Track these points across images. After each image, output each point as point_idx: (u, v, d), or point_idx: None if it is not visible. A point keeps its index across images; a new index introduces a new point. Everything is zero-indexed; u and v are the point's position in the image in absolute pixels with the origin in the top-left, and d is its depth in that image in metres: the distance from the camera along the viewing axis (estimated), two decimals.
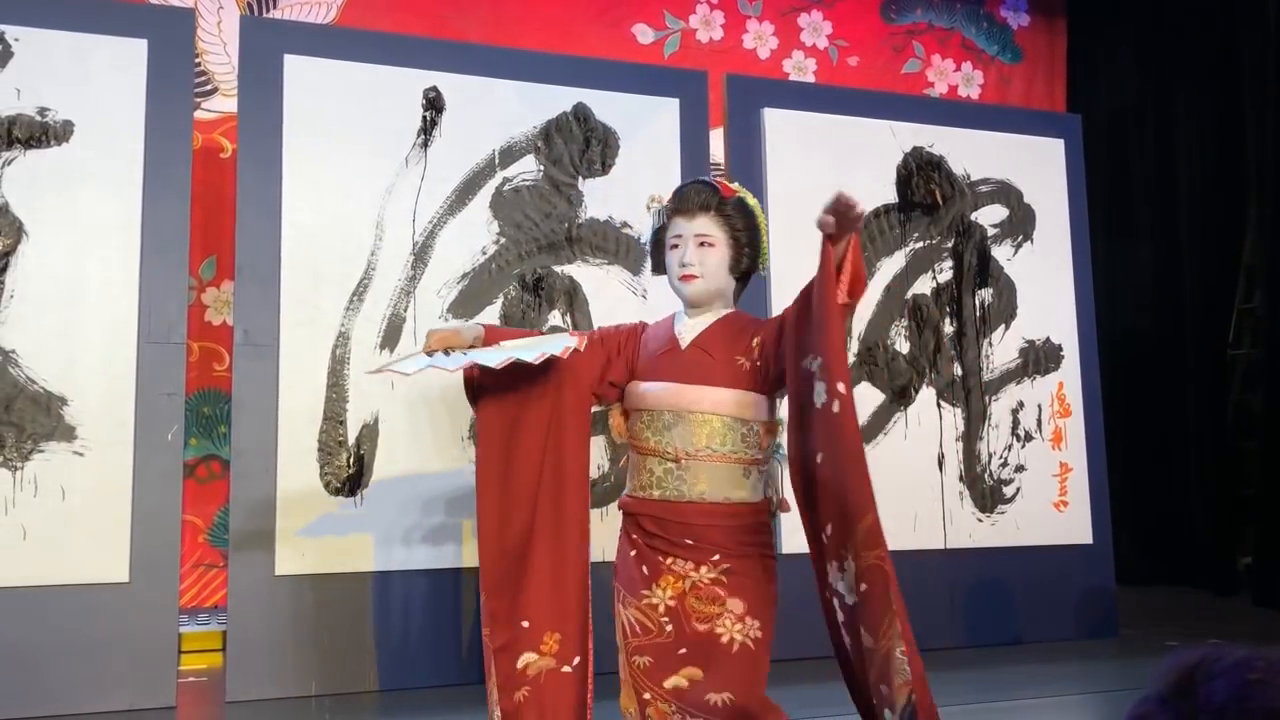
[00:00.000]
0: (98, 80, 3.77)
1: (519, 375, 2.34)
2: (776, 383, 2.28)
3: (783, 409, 2.29)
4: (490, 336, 2.39)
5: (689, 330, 2.36)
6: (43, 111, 3.70)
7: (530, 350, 2.31)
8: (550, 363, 2.36)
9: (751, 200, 2.38)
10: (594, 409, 2.47)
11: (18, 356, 3.57)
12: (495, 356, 2.29)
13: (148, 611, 3.61)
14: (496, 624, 2.33)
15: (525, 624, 2.32)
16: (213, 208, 4.83)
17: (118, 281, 3.71)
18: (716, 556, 2.23)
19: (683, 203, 2.35)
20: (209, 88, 5.13)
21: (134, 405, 3.66)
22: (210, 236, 4.91)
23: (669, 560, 2.26)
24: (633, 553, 2.32)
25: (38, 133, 3.68)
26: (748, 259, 2.37)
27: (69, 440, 3.60)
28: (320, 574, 3.79)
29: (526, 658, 2.31)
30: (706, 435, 2.26)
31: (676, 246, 2.34)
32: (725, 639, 2.19)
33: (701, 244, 2.32)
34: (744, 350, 2.29)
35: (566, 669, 2.32)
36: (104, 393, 3.65)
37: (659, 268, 2.44)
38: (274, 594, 3.73)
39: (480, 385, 2.38)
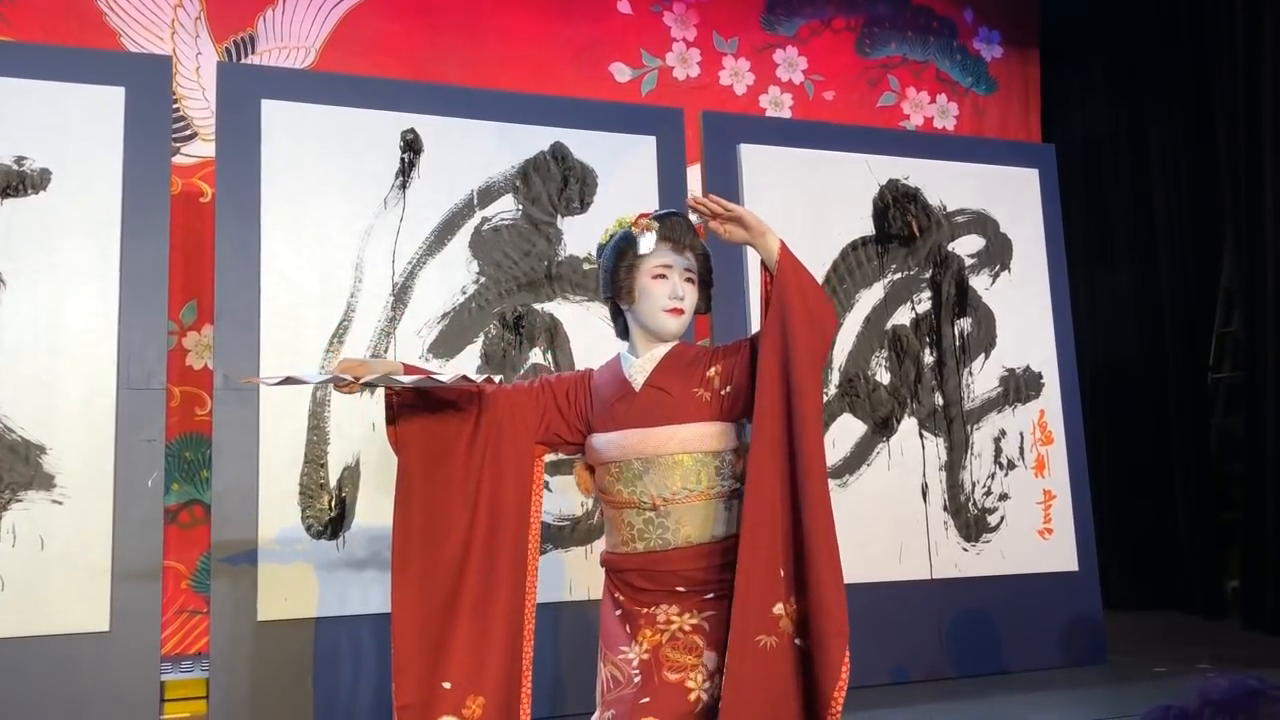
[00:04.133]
0: (75, 128, 3.78)
1: (446, 419, 2.27)
2: (747, 410, 2.21)
3: (748, 433, 2.23)
4: (407, 371, 2.29)
5: (639, 371, 2.30)
6: (20, 160, 3.71)
7: (440, 379, 2.22)
8: (482, 410, 2.28)
9: None
10: (549, 457, 2.40)
11: None
12: (393, 381, 2.19)
13: (129, 661, 3.58)
14: (405, 678, 2.19)
15: (447, 685, 2.19)
16: (194, 252, 4.83)
17: (97, 328, 3.70)
18: (710, 595, 2.17)
19: (674, 233, 2.28)
20: (188, 133, 5.15)
21: (114, 452, 3.64)
22: (192, 280, 4.91)
23: (654, 609, 2.20)
24: (617, 611, 2.26)
25: (15, 181, 3.69)
26: (705, 303, 2.36)
27: (48, 489, 3.58)
28: (303, 618, 3.76)
29: None
30: (680, 476, 2.20)
31: (664, 277, 2.26)
32: (693, 696, 2.12)
33: (688, 279, 2.29)
34: (700, 382, 2.25)
35: None
36: (83, 440, 3.63)
37: (623, 293, 2.30)
38: (257, 640, 3.70)
39: (401, 425, 2.28)
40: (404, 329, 4.05)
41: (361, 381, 2.20)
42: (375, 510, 3.89)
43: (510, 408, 2.32)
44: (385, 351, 4.00)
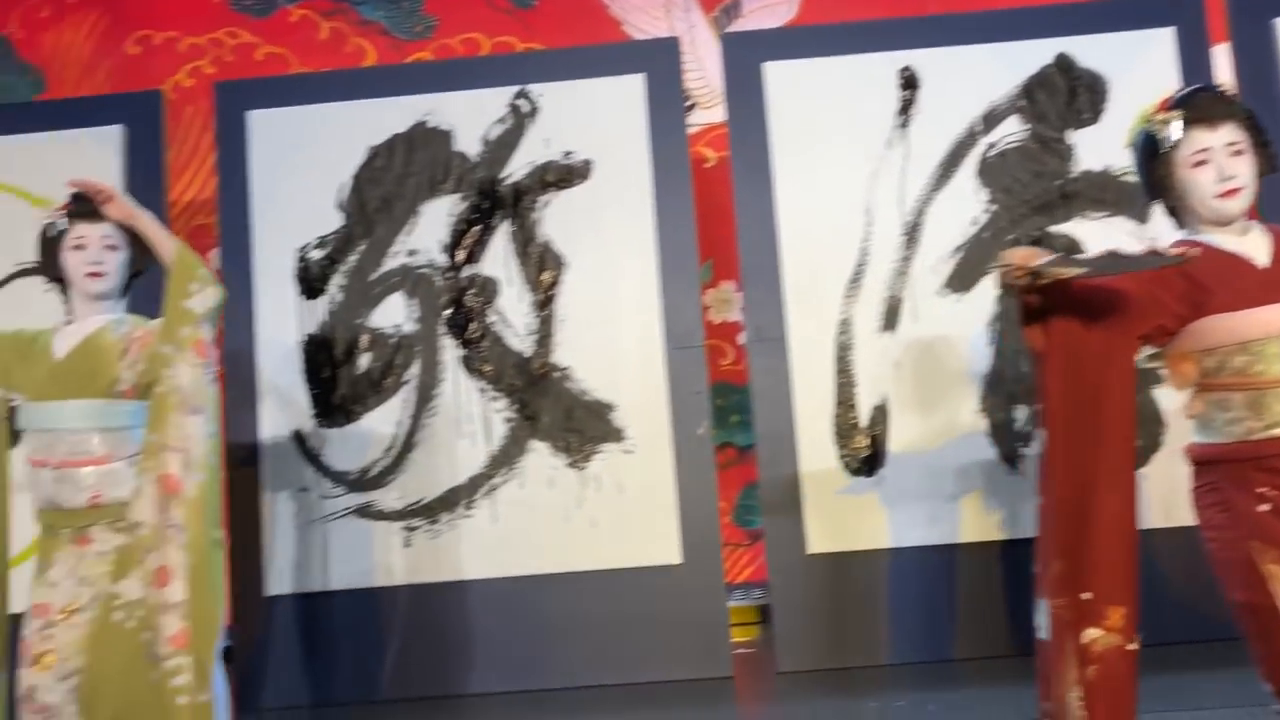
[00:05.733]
0: (605, 118, 4.23)
1: (1076, 318, 2.20)
2: None
3: None
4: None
5: (1254, 247, 2.21)
6: (566, 155, 4.21)
7: (1137, 260, 2.20)
8: (1097, 310, 2.19)
9: None
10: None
11: (571, 371, 4.11)
12: (1072, 262, 2.16)
13: (699, 590, 3.98)
14: (1065, 592, 2.19)
15: (1087, 596, 2.17)
16: (704, 215, 5.13)
17: (642, 297, 4.13)
18: None
19: (1203, 111, 2.19)
20: (689, 104, 5.50)
21: (668, 405, 4.06)
22: (705, 242, 5.19)
23: None
24: (1263, 506, 2.13)
25: (564, 175, 4.21)
26: (1267, 164, 2.23)
27: (619, 441, 4.07)
28: (848, 551, 3.96)
29: (1091, 633, 2.16)
30: None
31: (1205, 162, 2.18)
32: None
33: (1235, 153, 2.19)
34: None
35: (1131, 647, 2.17)
36: (642, 396, 4.08)
37: (1167, 193, 2.24)
38: (808, 571, 3.96)
39: (1040, 325, 2.21)
40: (917, 266, 4.08)
41: (1036, 266, 2.13)
42: (907, 446, 3.99)
43: (1116, 301, 2.21)
44: (901, 291, 4.06)
